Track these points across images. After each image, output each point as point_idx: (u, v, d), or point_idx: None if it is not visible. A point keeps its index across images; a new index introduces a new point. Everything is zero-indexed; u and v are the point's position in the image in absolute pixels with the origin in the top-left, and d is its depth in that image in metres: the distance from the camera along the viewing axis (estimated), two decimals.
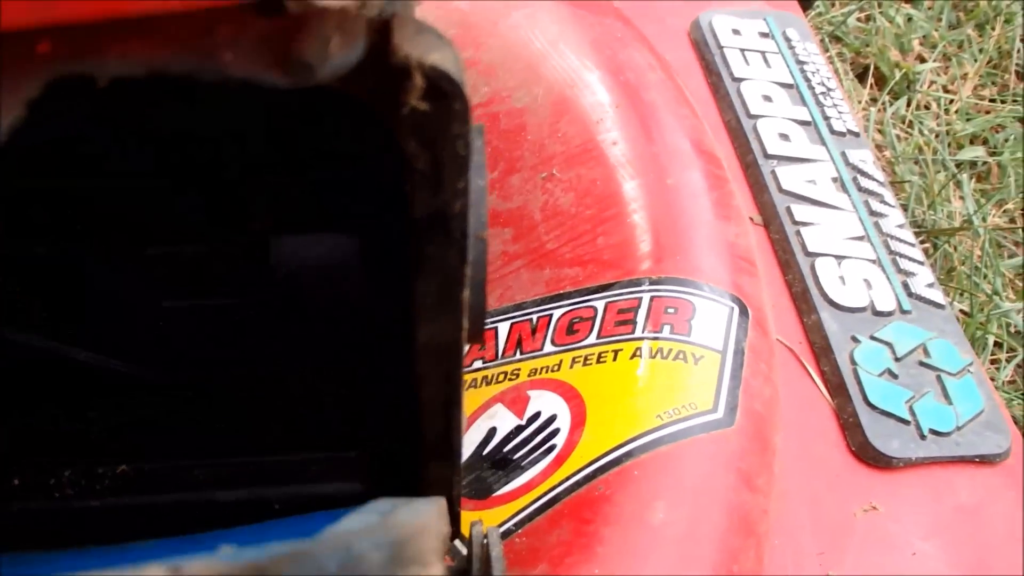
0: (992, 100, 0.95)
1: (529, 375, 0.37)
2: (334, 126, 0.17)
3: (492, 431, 0.35)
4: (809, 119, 0.52)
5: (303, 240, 0.19)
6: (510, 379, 0.37)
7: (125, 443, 0.27)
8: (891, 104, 0.91)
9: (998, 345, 0.76)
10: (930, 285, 0.46)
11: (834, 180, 0.49)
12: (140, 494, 0.26)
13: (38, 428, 0.25)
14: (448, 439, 0.23)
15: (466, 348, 0.22)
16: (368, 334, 0.23)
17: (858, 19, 1.00)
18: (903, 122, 0.90)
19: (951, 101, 0.93)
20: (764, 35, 0.56)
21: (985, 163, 0.88)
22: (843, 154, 0.50)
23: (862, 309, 0.44)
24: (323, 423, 0.26)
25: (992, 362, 0.76)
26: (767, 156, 0.50)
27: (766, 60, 0.55)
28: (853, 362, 0.42)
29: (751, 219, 0.48)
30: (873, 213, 0.48)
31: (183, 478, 0.26)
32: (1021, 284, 0.80)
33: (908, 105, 0.91)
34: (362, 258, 0.19)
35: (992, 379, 0.74)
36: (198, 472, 0.26)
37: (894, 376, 0.42)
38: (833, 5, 1.01)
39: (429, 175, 0.15)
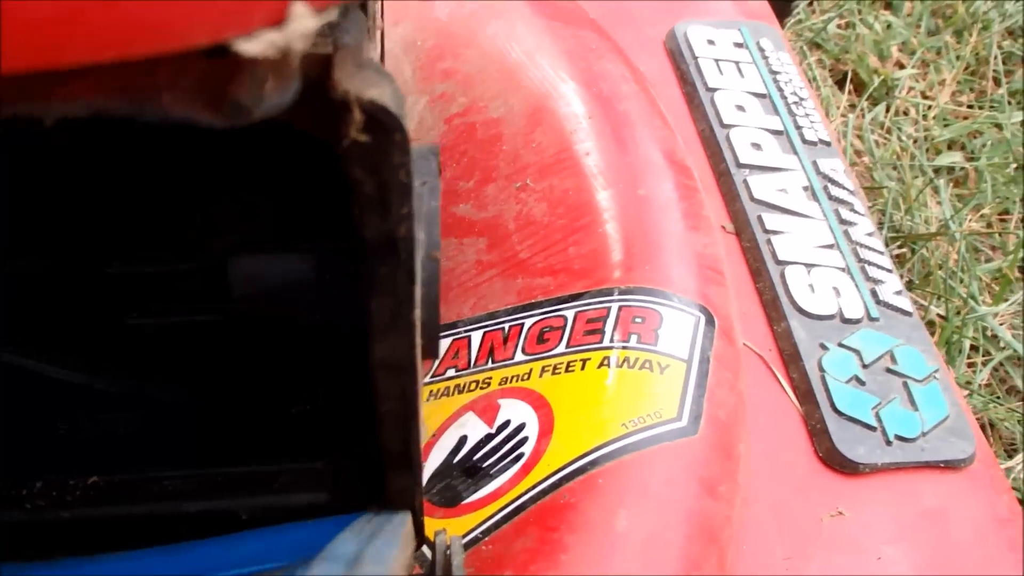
0: (970, 106, 0.96)
1: (500, 384, 0.37)
2: (286, 151, 0.17)
3: (463, 439, 0.36)
4: (781, 128, 0.53)
5: (261, 260, 0.19)
6: (481, 387, 0.38)
7: (96, 455, 0.27)
8: (870, 110, 0.92)
9: (974, 349, 0.77)
10: (898, 292, 0.47)
11: (805, 189, 0.50)
12: (111, 505, 0.27)
13: (8, 441, 0.26)
14: (407, 452, 0.24)
15: (423, 363, 0.22)
16: (328, 350, 0.23)
17: (838, 26, 1.01)
18: (882, 128, 0.91)
19: (929, 107, 0.94)
20: (738, 45, 0.57)
21: (963, 168, 0.90)
22: (814, 163, 0.51)
23: (831, 316, 0.45)
24: (289, 436, 0.27)
25: (969, 365, 0.78)
26: (739, 165, 0.51)
27: (740, 70, 0.55)
28: (821, 369, 0.43)
29: (723, 227, 0.49)
30: (843, 221, 0.49)
31: (153, 489, 0.27)
32: (997, 288, 0.81)
33: (887, 111, 0.93)
34: (319, 278, 0.20)
35: (968, 382, 0.75)
36: (167, 483, 0.27)
37: (861, 383, 0.43)
38: (814, 12, 1.02)
39: (375, 200, 0.16)
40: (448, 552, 0.25)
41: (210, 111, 0.11)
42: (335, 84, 0.13)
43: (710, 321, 0.38)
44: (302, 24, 0.11)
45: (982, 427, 0.74)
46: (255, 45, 0.10)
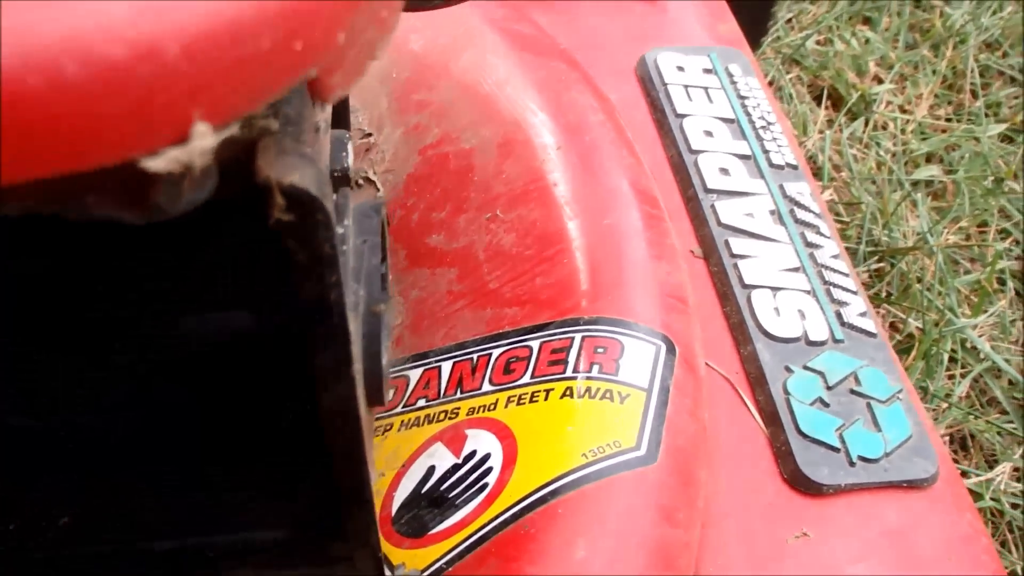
0: (948, 119, 0.98)
1: (468, 414, 0.38)
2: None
3: (431, 469, 0.37)
4: (749, 153, 0.54)
5: (208, 318, 0.21)
6: (450, 418, 0.39)
7: (67, 497, 0.28)
8: (848, 125, 0.94)
9: (953, 361, 0.78)
10: (862, 314, 0.48)
11: (772, 213, 0.51)
12: (79, 545, 0.28)
13: None
14: (360, 492, 0.25)
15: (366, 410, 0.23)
16: (282, 396, 0.24)
17: (817, 42, 1.03)
18: (860, 143, 0.92)
19: (907, 121, 0.96)
20: (707, 71, 0.58)
21: (941, 182, 0.91)
22: (781, 187, 0.52)
23: (796, 339, 0.46)
24: (251, 475, 0.28)
25: (949, 377, 0.79)
26: (707, 190, 0.52)
27: (708, 96, 0.57)
28: (786, 391, 0.44)
29: (692, 252, 0.50)
30: (809, 244, 0.50)
31: (118, 528, 0.28)
32: (976, 299, 0.82)
33: (865, 125, 0.94)
34: (263, 335, 0.21)
35: (948, 395, 0.76)
36: (132, 523, 0.28)
37: (825, 404, 0.44)
38: (792, 29, 1.04)
39: (308, 268, 0.17)
40: None
41: (131, 211, 0.12)
42: (257, 170, 0.15)
43: (671, 349, 0.39)
44: (203, 142, 0.12)
45: (962, 439, 0.75)
46: (159, 162, 0.11)
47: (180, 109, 0.11)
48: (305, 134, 0.17)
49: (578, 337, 0.39)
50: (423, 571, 0.32)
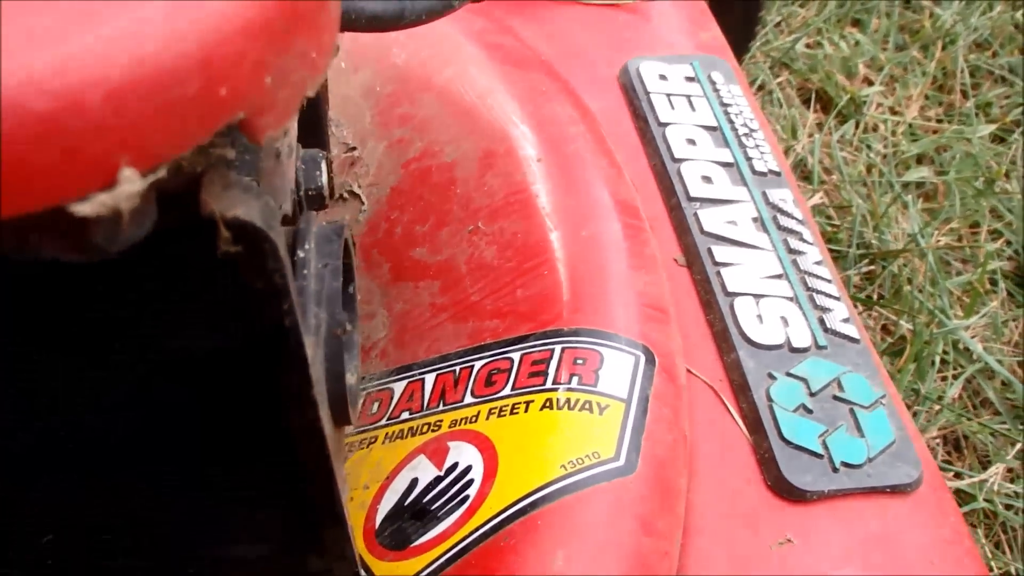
0: (939, 120, 0.98)
1: (450, 426, 0.39)
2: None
3: (414, 482, 0.37)
4: (732, 160, 0.54)
5: (180, 337, 0.21)
6: (432, 430, 0.39)
7: (50, 514, 0.29)
8: (838, 128, 0.94)
9: (945, 363, 0.78)
10: (845, 320, 0.48)
11: (754, 220, 0.51)
12: (64, 563, 0.28)
13: None
14: (334, 508, 0.25)
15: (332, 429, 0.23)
16: (255, 412, 0.25)
17: (807, 45, 1.03)
18: (850, 145, 0.93)
19: (898, 123, 0.96)
20: (690, 79, 0.59)
21: (932, 183, 0.91)
22: (764, 194, 0.53)
23: (779, 346, 0.46)
24: (232, 486, 0.28)
25: (941, 379, 0.79)
26: (690, 199, 0.52)
27: (691, 104, 0.57)
28: (769, 398, 0.44)
29: (675, 260, 0.51)
30: (792, 251, 0.50)
31: (100, 546, 0.28)
32: (968, 301, 0.82)
33: (856, 128, 0.94)
34: (231, 355, 0.21)
35: (940, 397, 0.76)
36: (114, 541, 0.28)
37: (808, 411, 0.44)
38: (782, 32, 1.04)
39: (261, 296, 0.17)
40: None
41: (72, 252, 0.13)
42: (202, 204, 0.15)
43: (650, 360, 0.39)
44: (130, 187, 0.12)
45: (955, 440, 0.75)
46: (87, 207, 0.12)
47: (106, 157, 0.12)
48: (263, 161, 0.18)
49: (558, 349, 0.39)
50: None
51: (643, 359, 0.39)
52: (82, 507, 0.29)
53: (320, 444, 0.22)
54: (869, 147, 0.93)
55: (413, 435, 0.40)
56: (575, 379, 0.38)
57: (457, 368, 0.41)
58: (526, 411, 0.37)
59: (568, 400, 0.37)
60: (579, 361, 0.38)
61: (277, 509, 0.27)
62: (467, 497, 0.35)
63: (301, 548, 0.28)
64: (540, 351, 0.39)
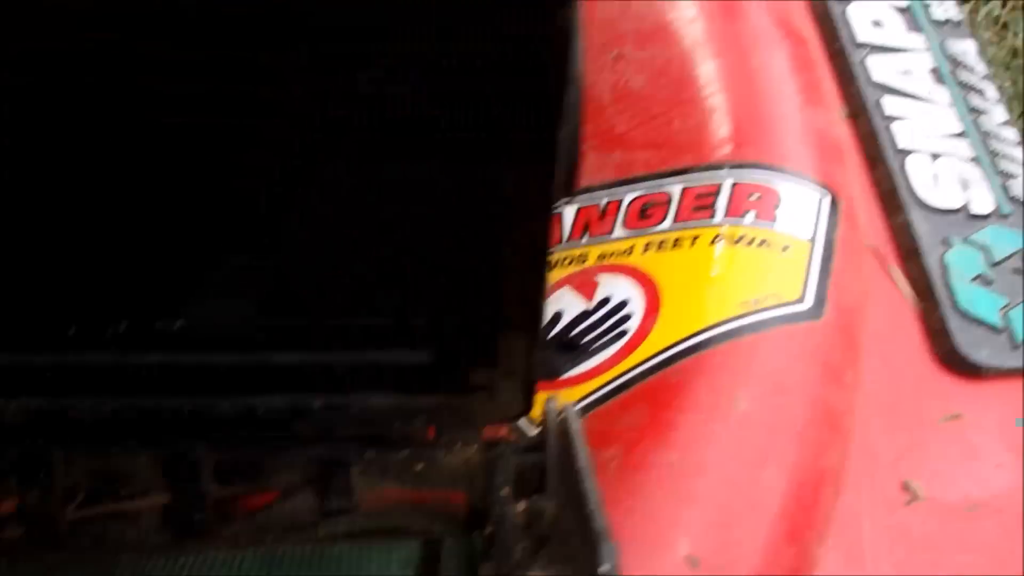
0: None
1: (598, 260, 0.35)
2: None
3: (558, 315, 0.34)
4: (906, 5, 0.47)
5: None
6: (577, 263, 0.35)
7: (183, 299, 0.25)
8: (985, 4, 0.84)
9: None
10: None
11: (932, 72, 0.45)
12: (197, 352, 0.25)
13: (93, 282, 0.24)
14: (530, 306, 0.21)
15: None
16: (441, 192, 0.21)
17: None
18: (996, 23, 0.83)
19: None
20: None
21: None
22: (942, 44, 0.46)
23: (956, 211, 0.41)
24: (390, 286, 0.25)
25: None
26: (857, 44, 0.46)
27: None
28: (943, 266, 0.39)
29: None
30: (972, 109, 0.44)
31: (241, 337, 0.25)
32: None
33: (1003, 5, 0.84)
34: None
35: None
36: (258, 333, 0.25)
37: (988, 282, 0.39)
38: None
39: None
40: (561, 416, 0.23)
41: None
42: None
43: (833, 202, 0.34)
44: None
45: None
46: None
47: None
48: None
49: (727, 183, 0.34)
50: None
51: (827, 199, 0.34)
52: (224, 301, 0.25)
53: (545, 212, 0.18)
54: (1018, 24, 0.83)
55: (553, 267, 0.36)
56: (750, 215, 0.33)
57: (603, 200, 0.37)
58: (692, 246, 0.33)
59: (743, 236, 0.32)
60: (753, 196, 0.34)
61: (454, 311, 0.24)
62: (625, 332, 0.31)
63: (469, 359, 0.24)
64: (705, 184, 0.35)
